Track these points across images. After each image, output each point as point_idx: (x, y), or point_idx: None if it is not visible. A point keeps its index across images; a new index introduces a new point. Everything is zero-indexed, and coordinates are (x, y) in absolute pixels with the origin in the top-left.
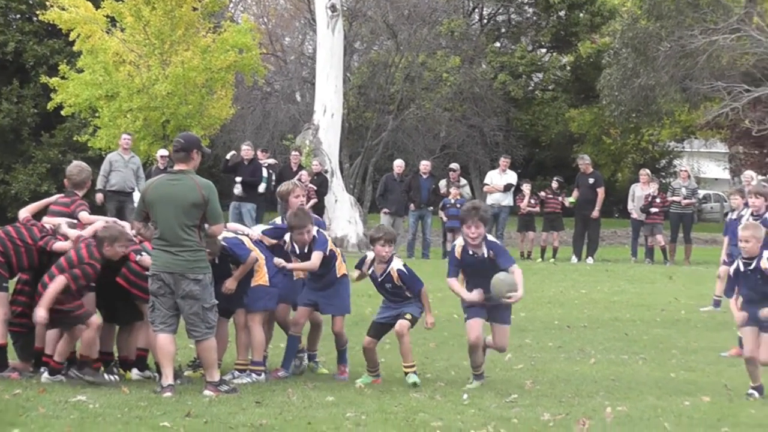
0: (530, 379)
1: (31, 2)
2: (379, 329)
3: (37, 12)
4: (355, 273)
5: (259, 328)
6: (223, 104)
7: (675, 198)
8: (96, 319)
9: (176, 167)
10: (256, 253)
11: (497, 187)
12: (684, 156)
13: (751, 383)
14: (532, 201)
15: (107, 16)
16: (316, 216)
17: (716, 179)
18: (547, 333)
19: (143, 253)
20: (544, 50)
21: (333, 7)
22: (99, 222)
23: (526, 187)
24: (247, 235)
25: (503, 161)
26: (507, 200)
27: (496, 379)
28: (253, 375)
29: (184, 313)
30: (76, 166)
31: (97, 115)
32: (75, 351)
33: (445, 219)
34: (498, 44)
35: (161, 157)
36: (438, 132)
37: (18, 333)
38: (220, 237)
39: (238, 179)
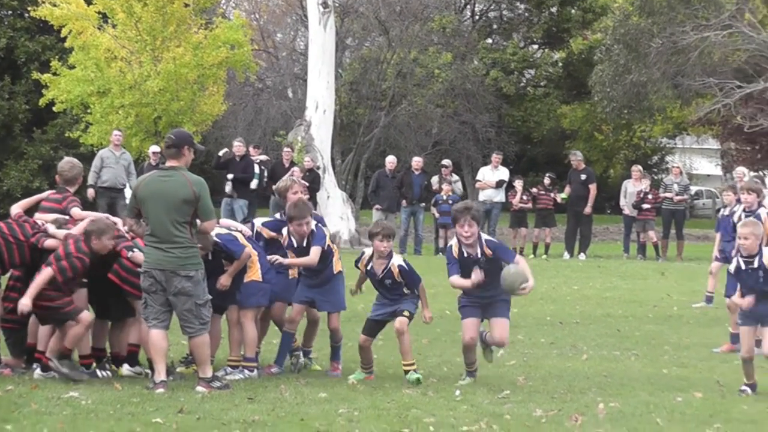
0: (523, 375)
1: None
2: (374, 327)
3: (29, 8)
4: (354, 285)
5: (252, 325)
6: (214, 100)
7: (667, 194)
8: (86, 315)
9: (168, 164)
10: (249, 249)
11: (489, 183)
12: (676, 152)
13: (745, 380)
14: (524, 197)
15: (99, 13)
16: (316, 212)
17: (708, 175)
18: (540, 329)
19: (135, 250)
20: (535, 46)
21: (324, 4)
22: (91, 218)
23: (518, 184)
24: (241, 231)
25: (495, 157)
26: (499, 196)
27: (489, 375)
28: (246, 371)
29: (177, 310)
30: (68, 162)
31: (88, 111)
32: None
33: (437, 215)
34: (490, 40)
35: (153, 153)
36: (430, 128)
37: (10, 329)
38: (213, 233)
39: (230, 176)
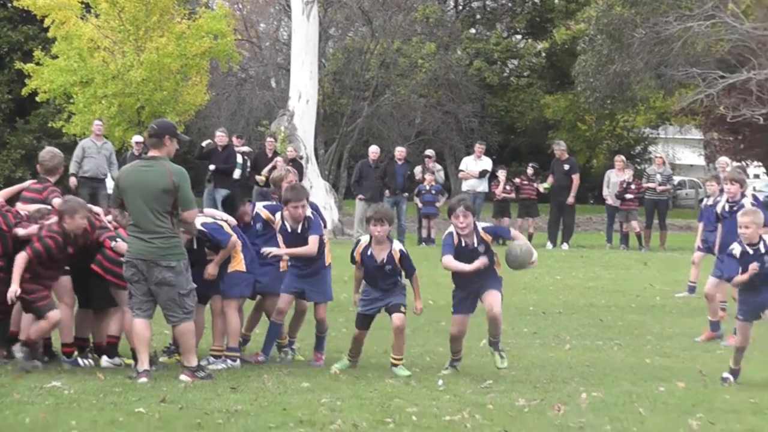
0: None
1: None
2: (367, 320)
3: None
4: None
5: (235, 315)
6: (197, 90)
7: (650, 184)
8: (54, 314)
9: (150, 153)
10: (235, 238)
11: (472, 173)
12: (659, 142)
13: (732, 365)
14: (507, 187)
15: (82, 2)
16: (313, 201)
17: (691, 165)
18: (522, 319)
19: (118, 240)
20: (519, 36)
21: None
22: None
23: (502, 174)
24: (226, 221)
25: (478, 147)
26: (482, 186)
27: (472, 365)
28: (228, 361)
29: (160, 300)
30: (49, 152)
31: (71, 101)
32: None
33: (420, 205)
34: (473, 30)
35: (136, 143)
36: (413, 118)
37: None
38: (198, 222)
39: (212, 167)
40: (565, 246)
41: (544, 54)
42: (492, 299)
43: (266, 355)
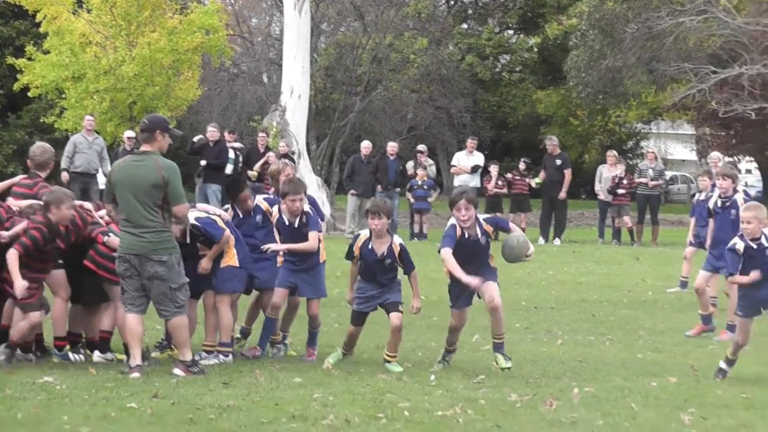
0: None
1: None
2: (363, 318)
3: None
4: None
5: (228, 310)
6: (189, 86)
7: (642, 179)
8: (35, 316)
9: (141, 148)
10: (228, 233)
11: (464, 168)
12: (651, 137)
13: (729, 355)
14: (500, 182)
15: None
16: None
17: (683, 161)
18: (515, 314)
19: (110, 234)
20: (511, 32)
21: None
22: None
23: (494, 169)
24: (219, 216)
25: (470, 143)
26: (474, 182)
27: (464, 360)
28: (221, 356)
29: (152, 294)
30: (39, 147)
31: (63, 96)
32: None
33: (412, 200)
34: (465, 26)
35: (128, 138)
36: (405, 113)
37: None
38: (192, 217)
39: (203, 162)
40: (557, 241)
41: (536, 49)
42: (491, 291)
43: (263, 349)
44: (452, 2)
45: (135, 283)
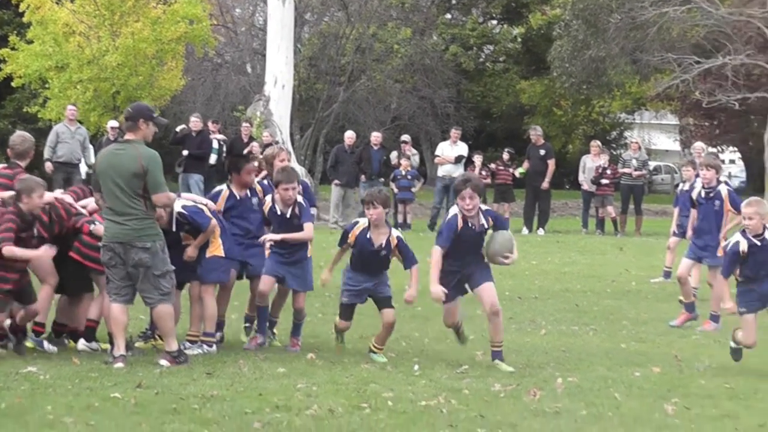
0: (481, 350)
1: None
2: (352, 310)
3: None
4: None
5: (212, 300)
6: (173, 75)
7: (626, 169)
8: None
9: (125, 137)
10: (215, 222)
11: (448, 158)
12: (635, 127)
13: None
14: (483, 173)
15: None
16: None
17: (667, 151)
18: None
19: (96, 223)
20: (495, 22)
21: None
22: (46, 195)
23: (477, 159)
24: (206, 205)
25: (454, 133)
26: (458, 172)
27: (447, 350)
28: (205, 346)
29: (137, 282)
30: (19, 136)
31: (47, 86)
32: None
33: (396, 190)
34: (449, 16)
35: (111, 128)
36: (389, 103)
37: None
38: (179, 205)
39: (185, 152)
40: (540, 231)
41: (519, 39)
42: (489, 294)
43: (263, 335)
44: None
45: (120, 272)
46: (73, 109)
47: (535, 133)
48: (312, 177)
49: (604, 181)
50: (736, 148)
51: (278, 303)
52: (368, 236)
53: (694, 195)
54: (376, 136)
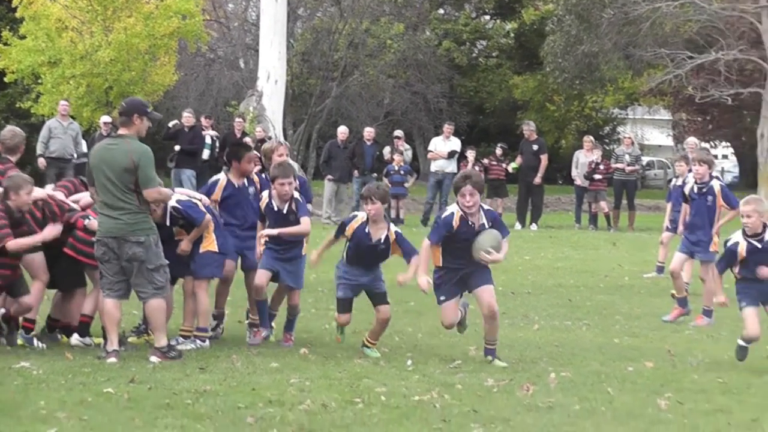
0: (474, 345)
1: None
2: (350, 303)
3: None
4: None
5: (205, 295)
6: (166, 71)
7: (618, 165)
8: None
9: (119, 132)
10: (209, 217)
11: (441, 153)
12: (627, 123)
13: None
14: (476, 168)
15: None
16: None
17: (660, 146)
18: None
19: (90, 218)
20: (487, 17)
21: None
22: (39, 192)
23: (470, 154)
24: (200, 200)
25: (447, 128)
26: (451, 167)
27: (440, 345)
28: (198, 341)
29: (131, 276)
30: (10, 131)
31: (39, 81)
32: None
33: (388, 186)
34: (442, 11)
35: (104, 123)
36: (382, 99)
37: None
38: (174, 199)
39: (177, 147)
40: (533, 226)
41: (512, 34)
42: (488, 297)
43: (266, 328)
44: None
45: (113, 267)
46: (65, 104)
47: (528, 129)
48: (305, 172)
49: (597, 177)
50: (728, 144)
51: (277, 298)
52: (366, 231)
53: (687, 190)
54: (368, 132)
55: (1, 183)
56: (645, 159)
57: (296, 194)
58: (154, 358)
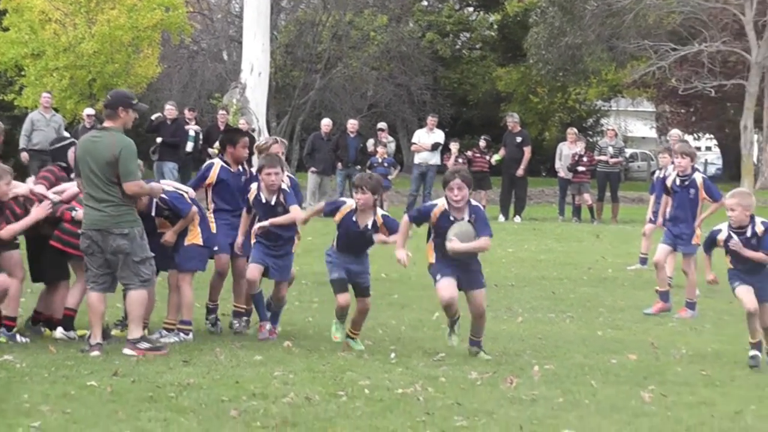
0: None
1: None
2: (345, 284)
3: None
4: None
5: (189, 288)
6: (149, 63)
7: (602, 157)
8: None
9: (104, 124)
10: (195, 209)
11: (425, 145)
12: (611, 115)
13: (751, 339)
14: (460, 160)
15: None
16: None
17: (643, 138)
18: None
19: (77, 209)
20: (471, 9)
21: None
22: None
23: (454, 146)
24: (186, 192)
25: (431, 120)
26: (434, 159)
27: (424, 338)
28: (181, 334)
29: (116, 269)
30: None
31: (23, 73)
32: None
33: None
34: (425, 3)
35: (87, 116)
36: (365, 91)
37: None
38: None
39: (158, 139)
40: (517, 219)
41: (496, 26)
42: (479, 299)
43: (267, 320)
44: None
45: (98, 260)
46: (47, 96)
47: (512, 120)
48: (288, 164)
49: (581, 169)
50: (712, 135)
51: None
52: (354, 219)
53: (669, 182)
54: (352, 124)
55: None
56: (628, 151)
57: (284, 185)
58: (126, 350)
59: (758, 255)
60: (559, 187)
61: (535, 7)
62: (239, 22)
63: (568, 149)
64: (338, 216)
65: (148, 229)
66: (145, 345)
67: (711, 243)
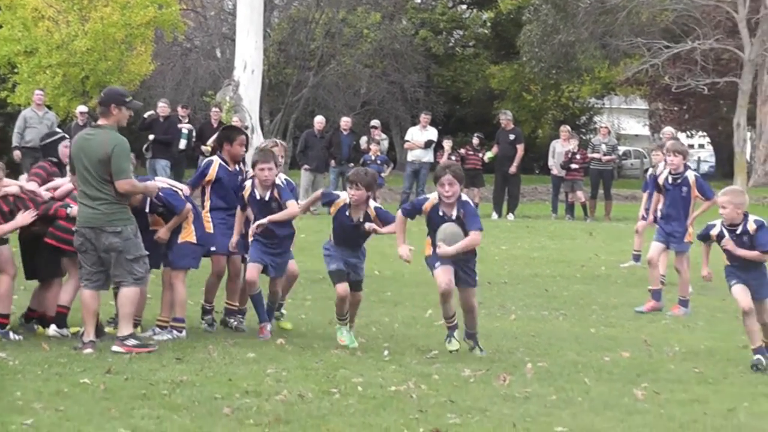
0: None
1: None
2: (343, 274)
3: None
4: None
5: (182, 286)
6: (142, 60)
7: (595, 154)
8: None
9: (98, 122)
10: (189, 207)
11: (418, 143)
12: (604, 112)
13: (751, 345)
14: (453, 158)
15: None
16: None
17: (636, 135)
18: None
19: (71, 206)
20: (464, 6)
21: None
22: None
23: (447, 144)
24: (181, 189)
25: (424, 117)
26: (427, 156)
27: (417, 336)
28: (174, 332)
29: (110, 267)
30: None
31: (16, 71)
32: None
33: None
34: (418, 0)
35: (80, 113)
36: (358, 88)
37: None
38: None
39: (151, 137)
40: (510, 216)
41: (489, 24)
42: (469, 296)
43: (266, 321)
44: None
45: (91, 257)
46: (40, 93)
47: (505, 118)
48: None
49: (574, 166)
50: (705, 133)
51: (287, 286)
52: (347, 213)
53: (661, 180)
54: (345, 121)
55: None
56: (621, 148)
57: (278, 180)
58: (115, 348)
59: (752, 254)
60: (552, 184)
61: (528, 4)
62: (232, 19)
63: (561, 147)
64: (333, 208)
65: (141, 226)
66: (133, 342)
67: (705, 237)
